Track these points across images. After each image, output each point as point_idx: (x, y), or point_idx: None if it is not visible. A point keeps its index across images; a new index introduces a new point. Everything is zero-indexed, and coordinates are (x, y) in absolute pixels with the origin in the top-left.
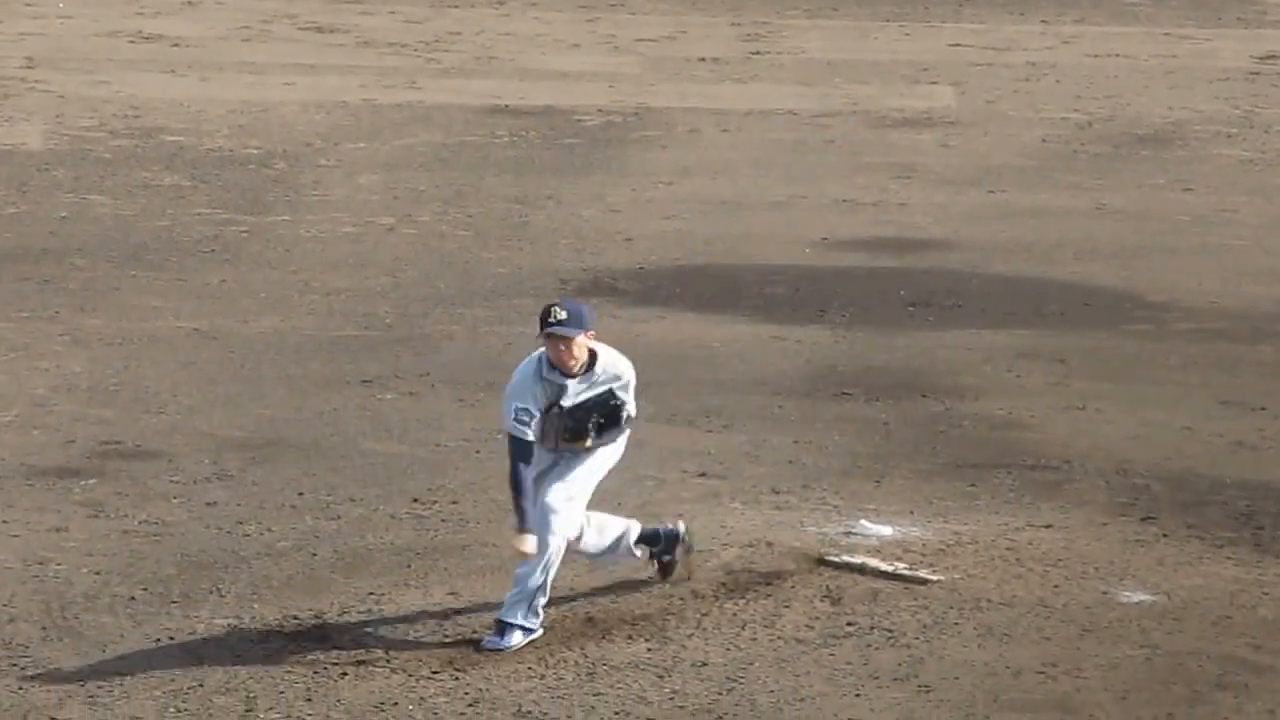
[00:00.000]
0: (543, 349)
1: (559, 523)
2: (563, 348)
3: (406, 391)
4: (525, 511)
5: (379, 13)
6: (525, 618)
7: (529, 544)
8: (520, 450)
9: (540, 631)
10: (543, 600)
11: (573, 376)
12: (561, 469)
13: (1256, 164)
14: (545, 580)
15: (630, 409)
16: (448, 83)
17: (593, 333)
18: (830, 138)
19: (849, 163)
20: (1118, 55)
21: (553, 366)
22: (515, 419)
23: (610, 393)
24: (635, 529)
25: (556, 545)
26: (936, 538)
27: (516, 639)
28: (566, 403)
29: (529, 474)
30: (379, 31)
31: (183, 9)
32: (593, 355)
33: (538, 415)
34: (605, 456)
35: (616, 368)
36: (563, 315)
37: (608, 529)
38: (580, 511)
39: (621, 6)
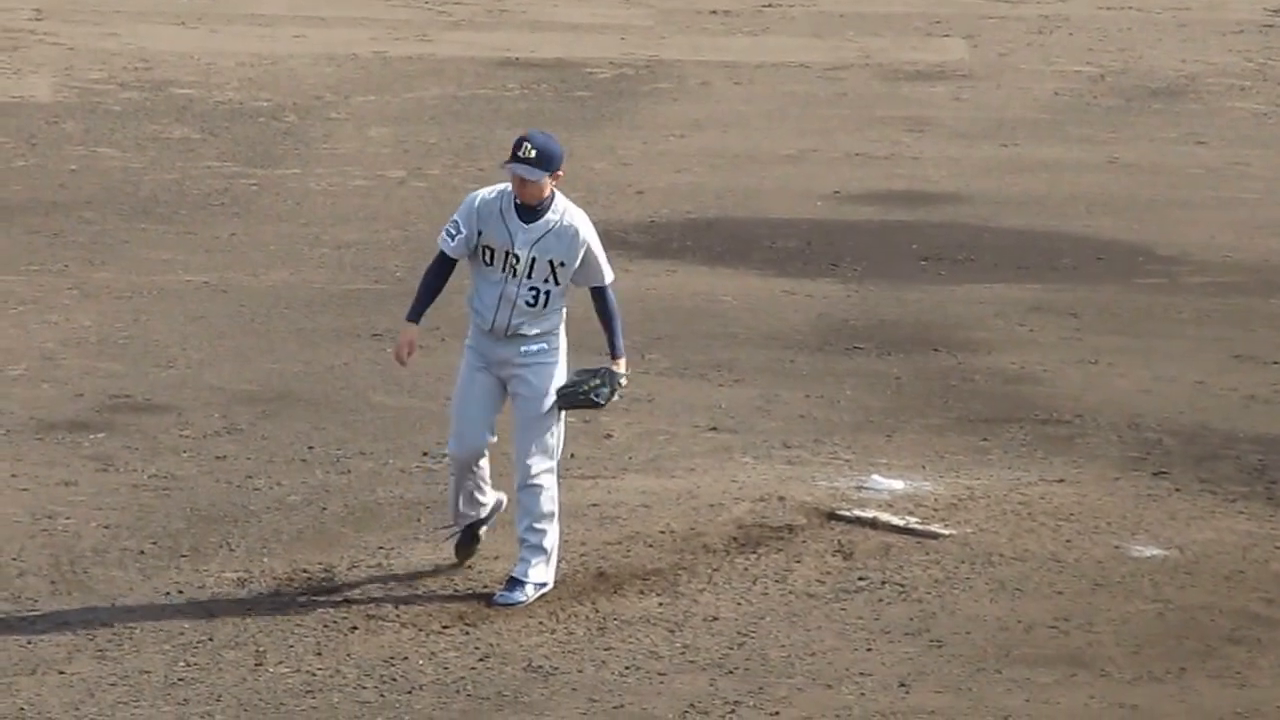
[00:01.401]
0: (508, 185)
1: (550, 485)
2: (524, 186)
3: (417, 345)
4: (415, 307)
5: None
6: (537, 574)
7: (410, 332)
8: (440, 262)
9: (550, 586)
10: (554, 557)
11: (529, 221)
12: (524, 420)
13: (1269, 117)
14: (556, 540)
15: (605, 274)
16: (459, 35)
17: (561, 175)
18: (842, 91)
19: (861, 116)
20: (1130, 8)
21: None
22: (445, 231)
23: (563, 257)
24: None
25: (555, 508)
26: (948, 492)
27: (528, 594)
28: (519, 256)
29: (437, 281)
30: None
31: None
32: (551, 198)
33: (465, 233)
34: (548, 376)
35: (572, 217)
36: (532, 154)
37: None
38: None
39: None
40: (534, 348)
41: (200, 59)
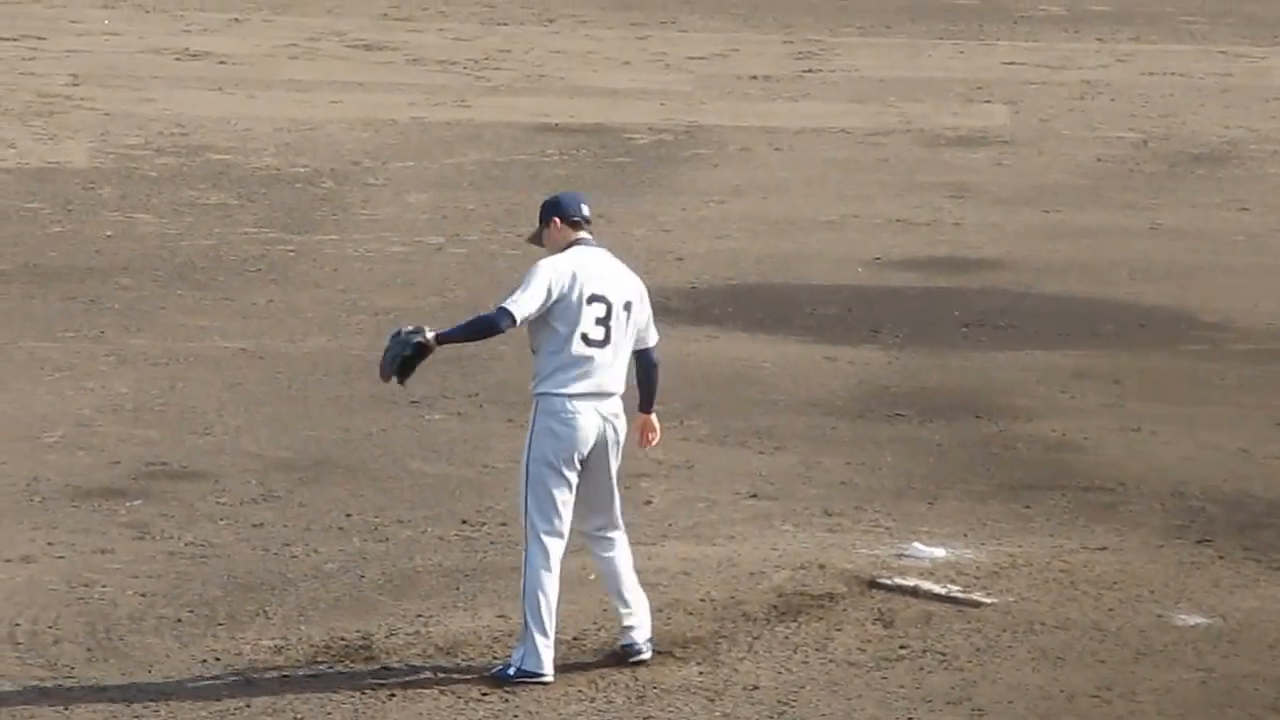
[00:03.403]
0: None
1: (526, 549)
2: None
3: (455, 412)
4: None
5: (428, 30)
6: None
7: None
8: None
9: (513, 671)
10: (528, 637)
11: None
12: None
13: None
14: (527, 616)
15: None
16: (497, 100)
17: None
18: (883, 156)
19: (902, 182)
20: (1173, 73)
21: None
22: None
23: None
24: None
25: (526, 578)
26: (990, 560)
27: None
28: None
29: None
30: (428, 49)
31: (230, 26)
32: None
33: None
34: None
35: None
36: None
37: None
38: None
39: (673, 24)
40: None
41: (237, 124)
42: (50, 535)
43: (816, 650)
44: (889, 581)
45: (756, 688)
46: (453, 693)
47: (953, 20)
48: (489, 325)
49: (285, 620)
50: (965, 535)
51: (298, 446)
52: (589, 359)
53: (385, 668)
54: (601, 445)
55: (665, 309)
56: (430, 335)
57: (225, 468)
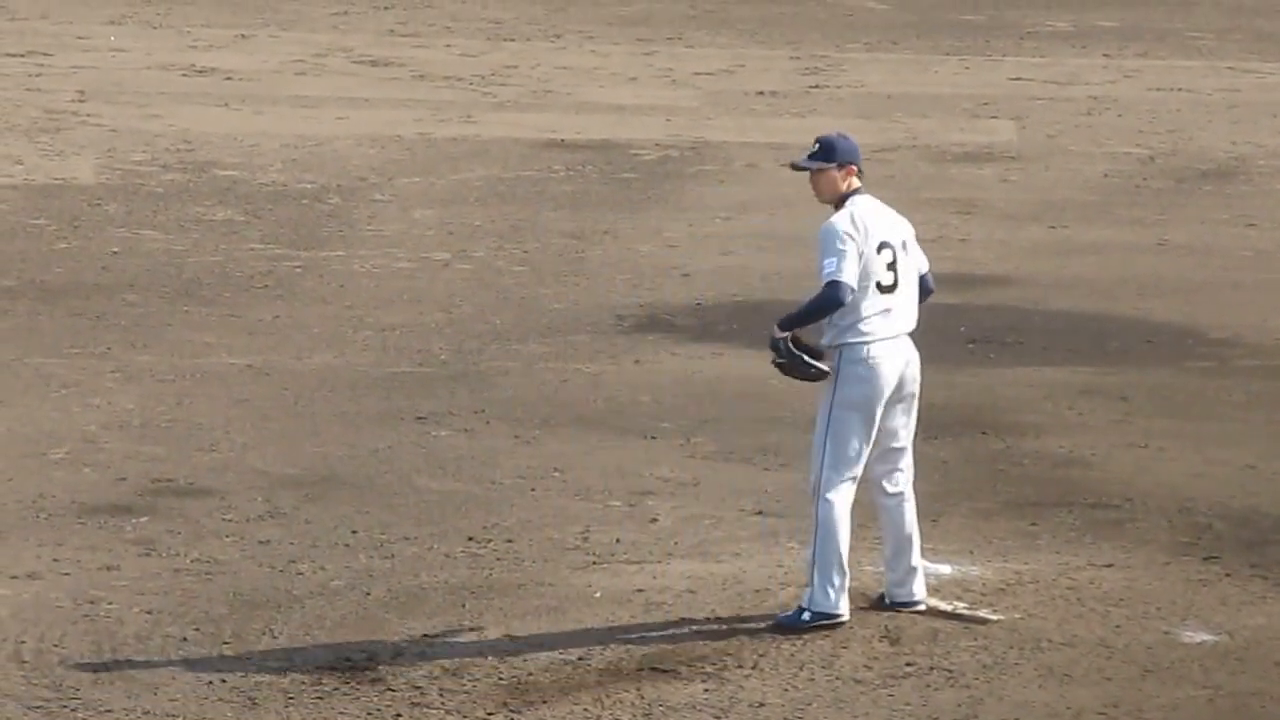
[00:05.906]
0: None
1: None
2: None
3: (462, 428)
4: None
5: (434, 46)
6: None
7: None
8: None
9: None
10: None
11: None
12: None
13: None
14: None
15: (821, 272)
16: (504, 116)
17: (852, 169)
18: (890, 172)
19: (908, 198)
20: (1180, 89)
21: None
22: None
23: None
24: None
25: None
26: (996, 577)
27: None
28: None
29: None
30: (434, 65)
31: (236, 42)
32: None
33: None
34: (824, 387)
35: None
36: (815, 146)
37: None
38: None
39: (679, 40)
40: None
41: (243, 140)
42: (56, 552)
43: (823, 667)
44: None
45: (763, 705)
46: (459, 711)
47: (959, 36)
48: (832, 303)
49: (291, 639)
50: (972, 552)
51: (304, 463)
52: (885, 304)
53: (391, 688)
54: (901, 388)
55: (671, 326)
56: (783, 334)
57: (231, 484)
